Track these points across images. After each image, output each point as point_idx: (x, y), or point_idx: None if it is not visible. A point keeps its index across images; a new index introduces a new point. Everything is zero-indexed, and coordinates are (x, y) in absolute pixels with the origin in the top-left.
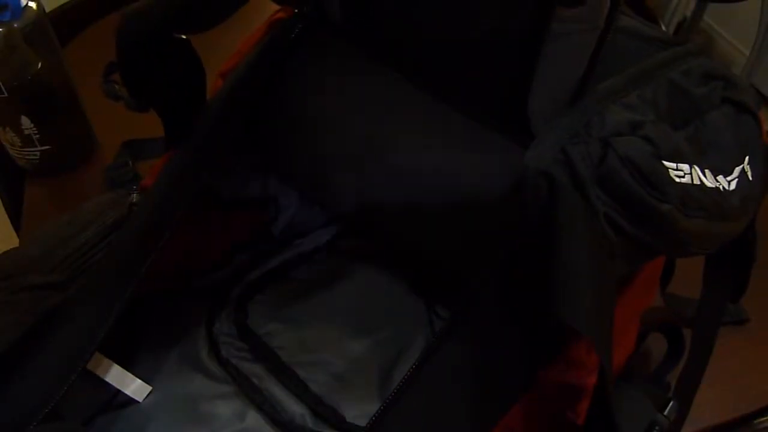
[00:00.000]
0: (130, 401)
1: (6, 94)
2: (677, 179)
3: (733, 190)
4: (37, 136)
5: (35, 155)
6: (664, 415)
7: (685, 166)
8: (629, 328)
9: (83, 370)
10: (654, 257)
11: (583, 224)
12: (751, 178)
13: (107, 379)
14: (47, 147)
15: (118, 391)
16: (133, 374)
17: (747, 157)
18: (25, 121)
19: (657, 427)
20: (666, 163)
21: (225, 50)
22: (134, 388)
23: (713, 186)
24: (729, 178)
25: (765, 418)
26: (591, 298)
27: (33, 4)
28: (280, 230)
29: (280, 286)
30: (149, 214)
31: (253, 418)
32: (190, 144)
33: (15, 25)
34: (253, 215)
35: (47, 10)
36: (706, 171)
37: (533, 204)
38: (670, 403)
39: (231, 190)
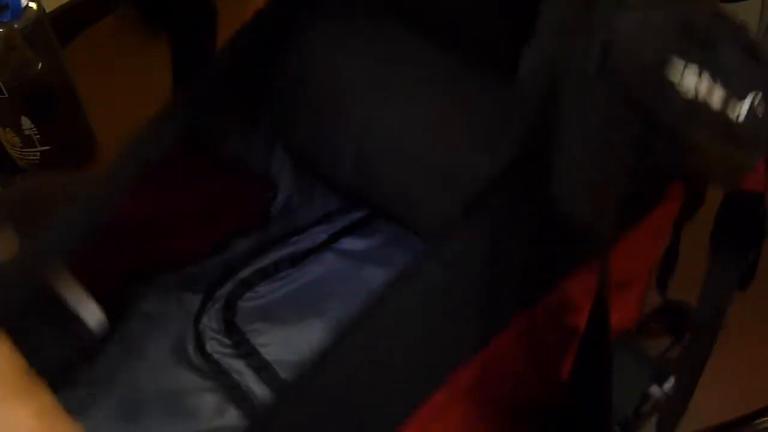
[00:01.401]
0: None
1: (6, 95)
2: (682, 89)
3: (741, 122)
4: (37, 136)
5: (35, 155)
6: (661, 389)
7: (692, 78)
8: (634, 283)
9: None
10: (664, 183)
11: (588, 104)
12: (760, 116)
13: (67, 299)
14: (47, 147)
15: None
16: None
17: (759, 94)
18: (25, 122)
19: (651, 399)
20: (672, 68)
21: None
22: (90, 312)
23: (720, 108)
24: (738, 108)
25: (765, 419)
26: (594, 187)
27: (33, 5)
28: (279, 210)
29: (271, 284)
30: (132, 149)
31: (233, 414)
32: (188, 87)
33: (15, 26)
34: (251, 190)
35: (47, 10)
36: (715, 90)
37: (534, 93)
38: (669, 379)
39: (229, 153)
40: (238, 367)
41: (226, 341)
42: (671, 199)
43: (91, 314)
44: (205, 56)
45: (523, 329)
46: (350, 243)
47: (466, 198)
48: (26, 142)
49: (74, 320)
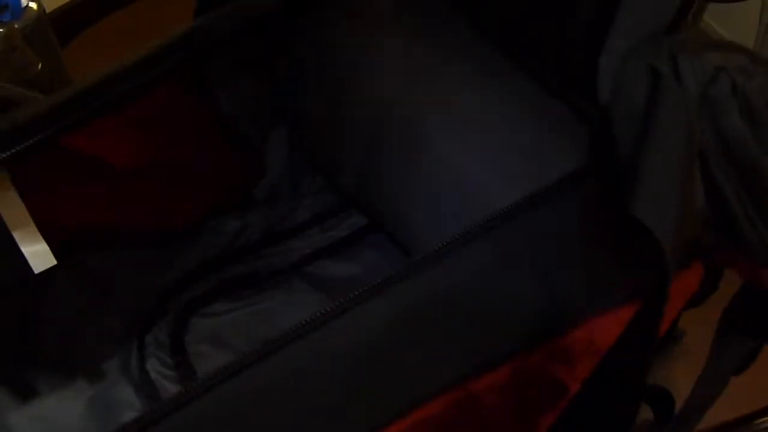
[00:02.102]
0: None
1: None
2: None
3: None
4: None
5: None
6: None
7: None
8: None
9: None
10: (721, 238)
11: (684, 128)
12: None
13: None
14: None
15: None
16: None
17: None
18: None
19: None
20: None
21: None
22: (35, 250)
23: None
24: None
25: (765, 419)
26: (674, 209)
27: (33, 5)
28: (264, 196)
29: (230, 303)
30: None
31: None
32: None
33: (15, 26)
34: (240, 160)
35: (47, 10)
36: None
37: (627, 102)
38: None
39: (231, 105)
40: (173, 393)
41: (168, 361)
42: (691, 278)
43: (35, 254)
44: None
45: (510, 376)
46: (326, 267)
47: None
48: None
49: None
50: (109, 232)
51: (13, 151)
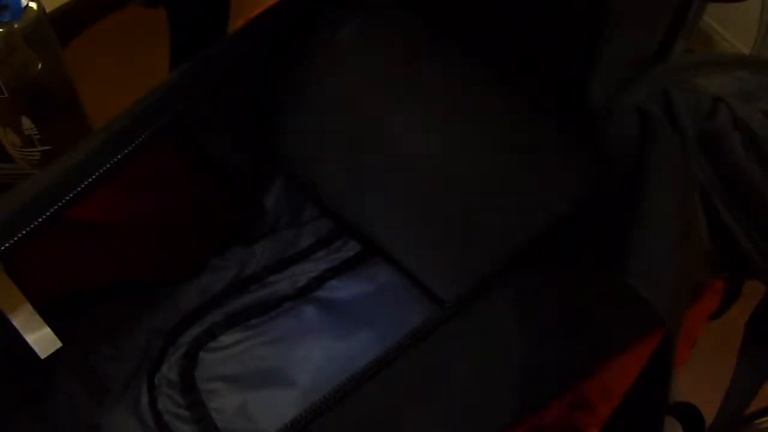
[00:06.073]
0: None
1: (6, 95)
2: None
3: None
4: (38, 136)
5: (35, 156)
6: None
7: None
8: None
9: None
10: (733, 273)
11: (679, 174)
12: None
13: (11, 318)
14: (47, 147)
15: None
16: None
17: None
18: (26, 122)
19: None
20: None
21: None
22: (38, 336)
23: None
24: None
25: (765, 419)
26: (673, 267)
27: (33, 5)
28: (265, 229)
29: (236, 334)
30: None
31: None
32: (184, 70)
33: (15, 26)
34: (234, 203)
35: (47, 10)
36: None
37: (616, 146)
38: None
39: (221, 151)
40: None
41: (181, 401)
42: (709, 301)
43: (40, 339)
44: (207, 41)
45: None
46: (337, 287)
47: (491, 258)
48: (26, 142)
49: (17, 339)
50: (108, 286)
51: (5, 246)
